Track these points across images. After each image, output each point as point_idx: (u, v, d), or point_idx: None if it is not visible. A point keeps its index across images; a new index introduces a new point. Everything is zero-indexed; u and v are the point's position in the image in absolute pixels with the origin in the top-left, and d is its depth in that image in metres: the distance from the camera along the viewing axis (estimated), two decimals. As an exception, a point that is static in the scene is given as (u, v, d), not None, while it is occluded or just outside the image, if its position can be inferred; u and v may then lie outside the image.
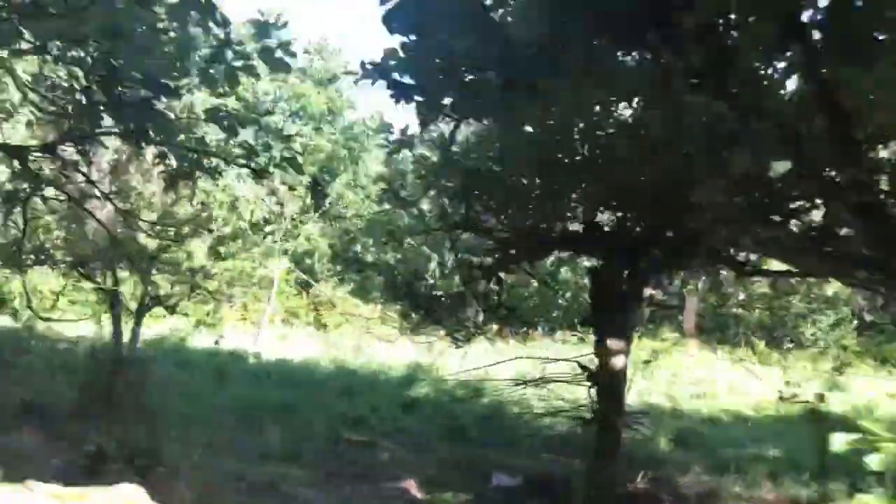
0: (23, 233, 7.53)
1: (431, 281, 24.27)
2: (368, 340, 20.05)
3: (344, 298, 22.40)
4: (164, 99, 6.20)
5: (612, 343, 7.65)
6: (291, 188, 24.71)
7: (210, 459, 8.25)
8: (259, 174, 6.43)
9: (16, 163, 6.23)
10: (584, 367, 8.75)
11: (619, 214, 7.27)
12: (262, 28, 4.87)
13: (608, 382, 7.71)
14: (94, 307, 15.35)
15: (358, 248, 28.75)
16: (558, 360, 8.98)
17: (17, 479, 6.40)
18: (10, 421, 8.33)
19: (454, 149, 8.20)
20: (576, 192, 7.08)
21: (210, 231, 10.68)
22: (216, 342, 15.28)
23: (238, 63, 5.09)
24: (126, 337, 12.29)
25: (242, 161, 6.22)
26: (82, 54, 6.17)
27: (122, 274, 12.22)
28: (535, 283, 11.12)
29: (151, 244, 10.51)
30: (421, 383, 13.65)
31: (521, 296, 11.54)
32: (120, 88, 6.17)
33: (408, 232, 27.24)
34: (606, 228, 7.81)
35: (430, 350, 18.03)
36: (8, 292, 20.41)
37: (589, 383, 8.72)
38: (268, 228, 16.75)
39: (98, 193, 7.35)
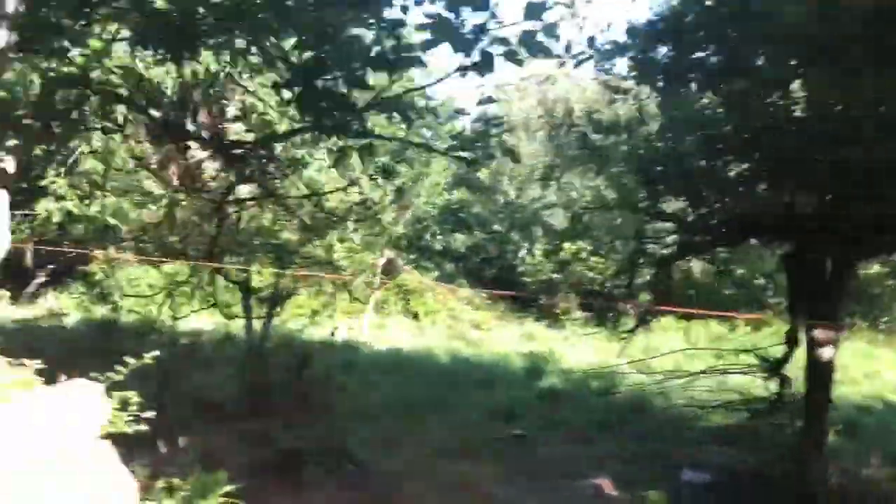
0: (216, 231, 7.50)
1: (522, 268, 24.07)
2: (465, 328, 19.84)
3: (436, 285, 22.23)
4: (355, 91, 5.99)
5: (820, 333, 7.27)
6: (372, 178, 24.54)
7: (391, 457, 8.12)
8: (470, 164, 6.18)
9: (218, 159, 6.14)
10: (763, 359, 8.38)
11: (832, 197, 6.83)
12: (534, 8, 4.53)
13: (816, 375, 7.33)
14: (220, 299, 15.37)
15: (427, 235, 28.60)
16: (741, 350, 8.62)
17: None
18: (189, 419, 8.31)
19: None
20: (789, 174, 6.66)
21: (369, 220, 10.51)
22: (332, 333, 15.19)
23: (498, 49, 4.79)
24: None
25: (456, 153, 5.99)
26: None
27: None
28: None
29: (294, 236, 10.41)
30: (549, 374, 13.35)
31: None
32: (321, 82, 5.97)
33: (496, 220, 26.80)
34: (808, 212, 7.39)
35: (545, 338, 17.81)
36: (106, 287, 20.66)
37: (766, 375, 8.40)
38: (374, 218, 16.63)
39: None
